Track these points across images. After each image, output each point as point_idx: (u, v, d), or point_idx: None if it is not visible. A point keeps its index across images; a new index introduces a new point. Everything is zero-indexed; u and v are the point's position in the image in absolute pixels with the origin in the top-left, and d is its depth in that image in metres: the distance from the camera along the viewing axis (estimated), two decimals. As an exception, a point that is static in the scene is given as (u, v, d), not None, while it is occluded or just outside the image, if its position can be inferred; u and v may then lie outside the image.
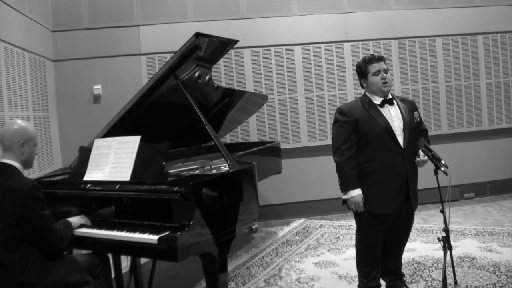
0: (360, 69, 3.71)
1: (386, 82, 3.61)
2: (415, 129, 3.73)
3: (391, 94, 3.72)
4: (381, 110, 3.64)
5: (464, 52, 7.54)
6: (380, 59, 3.65)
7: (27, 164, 3.16)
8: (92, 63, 6.96)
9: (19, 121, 3.18)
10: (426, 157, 3.51)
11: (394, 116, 3.65)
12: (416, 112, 3.78)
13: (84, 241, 3.44)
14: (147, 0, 7.02)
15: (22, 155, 3.08)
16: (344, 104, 3.81)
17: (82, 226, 3.46)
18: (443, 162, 3.38)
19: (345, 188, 3.60)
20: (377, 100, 3.66)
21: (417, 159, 3.61)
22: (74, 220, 3.44)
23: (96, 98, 6.96)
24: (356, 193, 3.55)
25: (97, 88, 6.93)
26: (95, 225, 3.52)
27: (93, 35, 6.95)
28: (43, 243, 2.98)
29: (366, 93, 3.74)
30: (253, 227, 6.52)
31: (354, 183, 3.56)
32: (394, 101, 3.72)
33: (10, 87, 5.15)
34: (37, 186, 2.97)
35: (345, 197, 3.61)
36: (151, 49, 7.03)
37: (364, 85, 3.73)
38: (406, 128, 3.62)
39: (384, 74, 3.61)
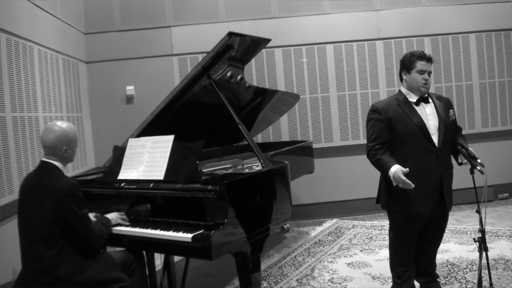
0: (407, 61, 3.64)
1: (426, 84, 3.57)
2: (451, 128, 3.67)
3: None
4: (416, 108, 3.60)
5: (498, 49, 7.38)
6: (430, 60, 3.60)
7: (69, 161, 3.22)
8: (124, 64, 7.05)
9: (58, 124, 3.16)
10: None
11: (429, 114, 3.60)
12: (451, 111, 3.73)
13: (119, 239, 3.48)
14: (178, 1, 7.07)
15: (66, 157, 3.14)
16: (378, 102, 3.78)
17: (118, 224, 3.50)
18: (479, 161, 3.33)
19: (386, 173, 3.46)
20: (413, 98, 3.62)
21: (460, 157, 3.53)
22: (113, 217, 3.48)
23: (129, 99, 7.03)
24: (393, 170, 3.38)
25: (130, 89, 7.01)
26: (129, 223, 3.56)
27: (125, 36, 7.03)
28: (79, 241, 3.01)
29: (402, 90, 3.69)
30: (284, 226, 6.51)
31: (389, 162, 3.43)
32: (430, 99, 3.67)
33: (44, 88, 5.24)
34: (76, 185, 3.01)
35: (394, 183, 3.44)
36: (183, 50, 7.08)
37: (405, 77, 3.67)
38: (441, 127, 3.57)
39: (427, 76, 3.57)
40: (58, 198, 2.91)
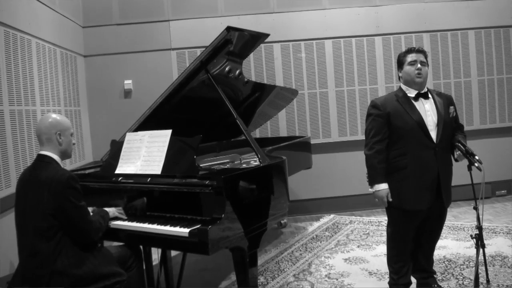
0: (399, 58, 3.73)
1: (420, 74, 3.57)
2: (450, 124, 3.67)
3: (427, 88, 3.68)
4: (415, 104, 3.61)
5: (496, 45, 7.38)
6: (420, 51, 3.67)
7: (66, 154, 3.21)
8: (123, 58, 7.03)
9: (52, 115, 3.21)
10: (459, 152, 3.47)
11: (428, 110, 3.60)
12: (452, 107, 3.72)
13: (117, 233, 3.47)
14: (177, -5, 7.06)
15: (61, 145, 3.13)
16: (378, 97, 3.82)
17: (116, 218, 3.49)
18: (477, 157, 3.34)
19: (372, 181, 3.59)
20: (412, 93, 3.63)
21: (456, 153, 3.56)
22: (111, 210, 3.47)
23: (127, 93, 7.02)
24: (382, 187, 3.54)
25: (128, 83, 6.99)
26: (127, 217, 3.55)
27: (123, 30, 7.01)
28: (78, 234, 3.01)
29: (401, 86, 3.72)
30: (282, 222, 6.51)
31: (381, 177, 3.55)
32: (430, 95, 3.68)
33: (42, 82, 5.22)
34: (74, 177, 3.01)
35: (371, 190, 3.60)
36: (181, 44, 7.06)
37: (400, 74, 3.72)
38: (440, 123, 3.57)
39: (419, 65, 3.59)
40: (56, 190, 2.91)
